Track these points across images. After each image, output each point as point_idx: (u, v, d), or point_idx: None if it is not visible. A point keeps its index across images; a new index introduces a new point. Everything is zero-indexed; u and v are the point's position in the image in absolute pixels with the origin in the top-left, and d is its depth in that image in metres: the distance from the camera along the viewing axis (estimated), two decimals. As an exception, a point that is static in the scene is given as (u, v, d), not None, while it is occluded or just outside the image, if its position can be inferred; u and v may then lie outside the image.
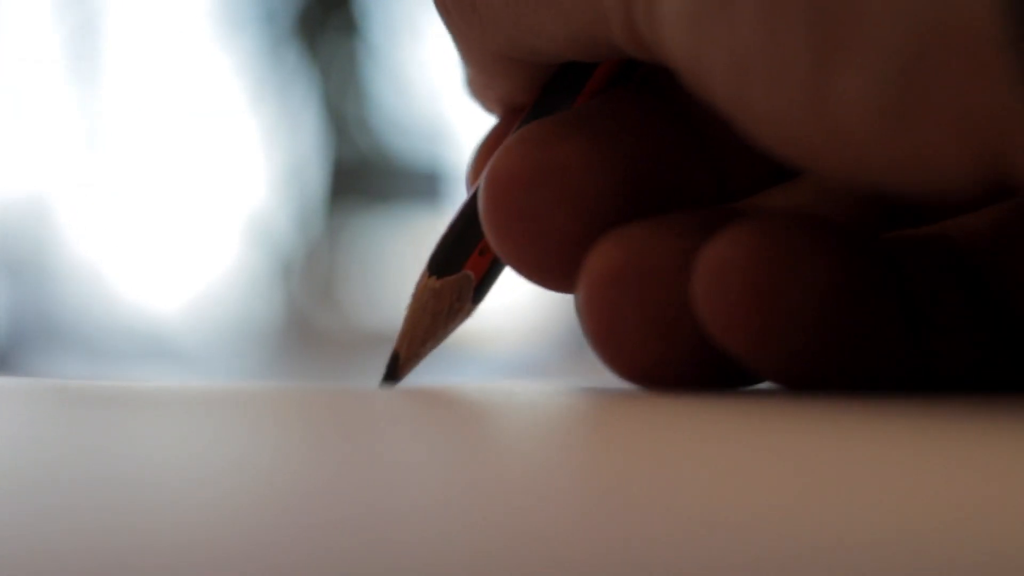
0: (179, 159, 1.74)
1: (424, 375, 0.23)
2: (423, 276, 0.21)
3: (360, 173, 1.85)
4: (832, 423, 0.16)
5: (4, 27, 1.66)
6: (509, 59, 0.21)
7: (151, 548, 0.09)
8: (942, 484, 0.11)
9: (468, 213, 0.21)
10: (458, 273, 0.21)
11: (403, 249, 1.81)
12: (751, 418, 0.16)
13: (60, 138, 1.69)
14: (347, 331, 1.73)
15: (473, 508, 0.10)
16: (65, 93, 1.70)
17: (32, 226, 1.67)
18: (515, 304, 1.61)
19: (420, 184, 1.85)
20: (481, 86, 0.22)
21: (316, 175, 1.85)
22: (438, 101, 1.82)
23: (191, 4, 1.78)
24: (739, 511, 0.10)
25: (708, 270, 0.18)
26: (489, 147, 0.22)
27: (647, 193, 0.20)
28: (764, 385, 0.21)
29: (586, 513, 0.10)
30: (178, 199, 1.74)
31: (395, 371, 0.21)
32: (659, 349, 0.19)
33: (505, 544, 0.09)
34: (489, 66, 0.21)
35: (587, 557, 0.09)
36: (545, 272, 0.20)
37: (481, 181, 0.20)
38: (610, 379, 0.21)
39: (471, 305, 0.22)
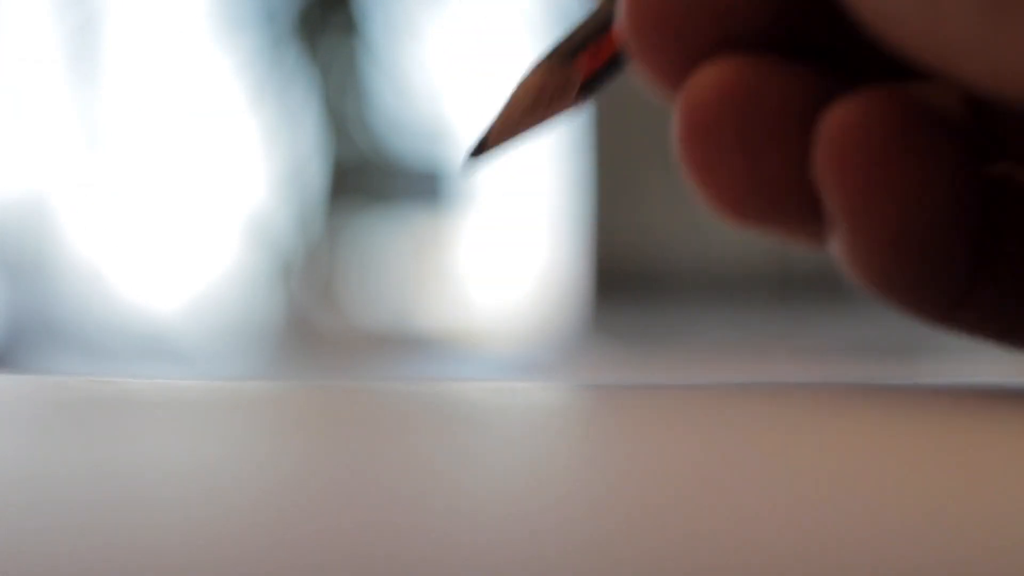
0: (179, 159, 1.74)
1: (426, 376, 0.23)
2: (539, 61, 0.22)
3: (360, 173, 1.85)
4: (840, 419, 0.16)
5: (4, 27, 1.66)
6: None
7: (149, 550, 0.09)
8: (948, 484, 0.11)
9: (601, 14, 0.22)
10: (570, 67, 0.21)
11: (403, 249, 1.81)
12: (755, 414, 0.16)
13: (60, 138, 1.69)
14: (347, 331, 1.73)
15: (473, 510, 0.10)
16: (65, 93, 1.70)
17: (32, 226, 1.67)
18: (515, 304, 1.61)
19: (420, 184, 1.85)
20: None
21: (316, 175, 1.84)
22: (438, 101, 1.82)
23: (191, 4, 1.78)
24: (741, 510, 0.10)
25: (837, 124, 0.18)
26: None
27: (783, 29, 0.20)
28: (764, 381, 0.21)
29: (592, 516, 0.10)
30: (178, 199, 1.74)
31: (484, 144, 0.22)
32: (749, 181, 0.19)
33: (506, 546, 0.09)
34: None
35: (589, 559, 0.09)
36: (666, 73, 0.20)
37: None
38: (609, 378, 0.21)
39: (575, 100, 0.22)
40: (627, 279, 1.48)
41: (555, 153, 1.53)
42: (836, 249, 0.20)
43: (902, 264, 0.19)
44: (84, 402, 0.18)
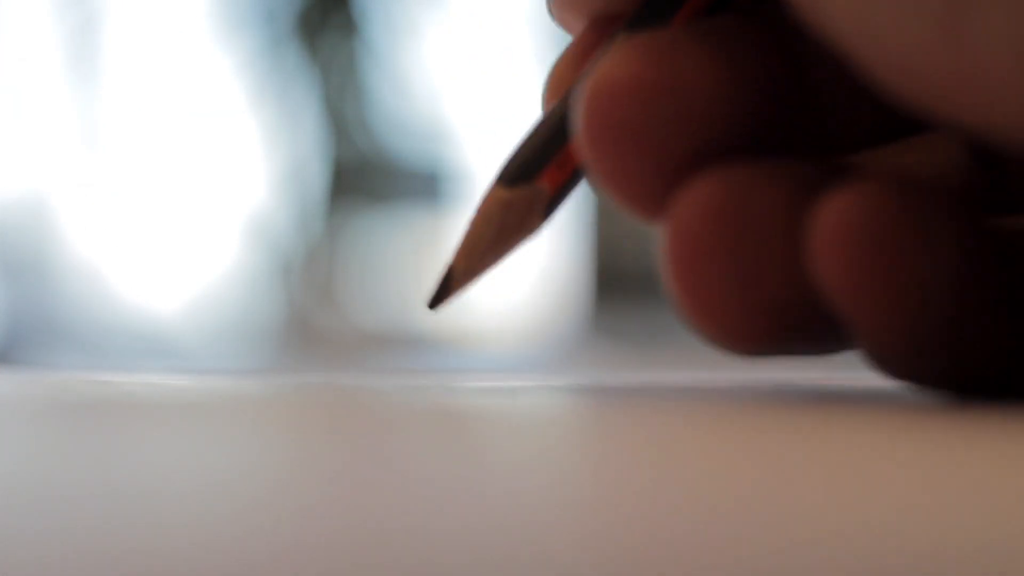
0: (179, 159, 1.74)
1: (426, 375, 0.23)
2: (492, 187, 0.20)
3: (360, 173, 1.85)
4: (840, 418, 0.16)
5: (4, 27, 1.66)
6: None
7: (149, 548, 0.09)
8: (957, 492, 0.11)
9: (550, 124, 0.20)
10: (531, 185, 0.20)
11: (403, 249, 1.81)
12: (755, 413, 0.16)
13: (60, 138, 1.69)
14: (347, 331, 1.73)
15: (472, 512, 0.10)
16: (65, 93, 1.70)
17: (32, 226, 1.67)
18: (515, 304, 1.61)
19: (420, 184, 1.85)
20: None
21: (316, 175, 1.84)
22: (438, 101, 1.82)
23: (191, 4, 1.78)
24: (740, 510, 0.10)
25: (833, 222, 0.17)
26: (572, 61, 0.21)
27: (757, 125, 0.19)
28: (763, 381, 0.21)
29: (591, 515, 0.10)
30: (178, 199, 1.74)
31: (448, 287, 0.20)
32: (740, 297, 0.18)
33: (507, 548, 0.09)
34: None
35: (588, 559, 0.09)
36: (635, 194, 0.19)
37: (582, 90, 0.19)
38: (610, 378, 0.21)
39: (541, 220, 0.20)
40: (627, 279, 1.48)
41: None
42: (857, 347, 0.18)
43: (927, 343, 0.17)
44: (83, 399, 0.18)
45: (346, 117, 1.86)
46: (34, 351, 1.54)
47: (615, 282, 1.49)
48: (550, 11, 0.21)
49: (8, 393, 0.19)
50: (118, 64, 1.73)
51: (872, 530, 0.09)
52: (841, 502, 0.10)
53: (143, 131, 1.73)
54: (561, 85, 0.20)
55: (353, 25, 1.85)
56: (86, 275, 1.68)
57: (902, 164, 0.20)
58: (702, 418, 0.17)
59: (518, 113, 1.55)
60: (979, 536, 0.09)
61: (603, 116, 0.18)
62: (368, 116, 1.86)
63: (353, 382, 0.23)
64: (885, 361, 0.18)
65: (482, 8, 1.77)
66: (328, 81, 1.85)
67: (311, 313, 1.80)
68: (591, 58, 0.20)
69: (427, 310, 0.20)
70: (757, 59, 0.19)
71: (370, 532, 0.09)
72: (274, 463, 0.12)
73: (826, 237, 0.17)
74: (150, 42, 1.74)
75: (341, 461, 0.13)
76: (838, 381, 0.23)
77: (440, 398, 0.19)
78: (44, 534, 0.09)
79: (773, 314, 0.18)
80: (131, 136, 1.73)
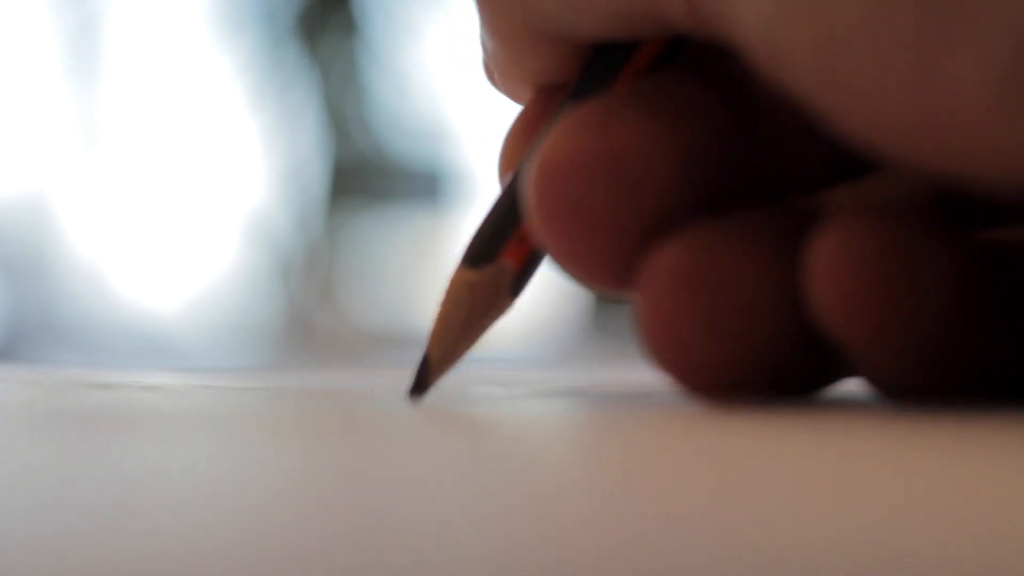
0: (179, 159, 1.74)
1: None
2: (457, 270, 0.20)
3: (360, 173, 1.85)
4: (839, 417, 0.16)
5: (4, 27, 1.66)
6: (540, 34, 0.19)
7: (148, 546, 0.09)
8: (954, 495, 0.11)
9: (507, 200, 0.19)
10: (495, 264, 0.19)
11: (403, 249, 1.81)
12: (754, 413, 0.16)
13: (60, 138, 1.69)
14: (347, 331, 1.73)
15: (477, 517, 0.10)
16: (65, 93, 1.70)
17: (32, 225, 1.67)
18: (515, 304, 1.61)
19: (420, 184, 1.85)
20: (506, 63, 0.20)
21: (316, 175, 1.84)
22: (438, 101, 1.82)
23: (191, 4, 1.78)
24: (739, 509, 0.10)
25: (830, 253, 0.17)
26: (522, 132, 0.20)
27: (709, 184, 0.19)
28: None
29: (590, 515, 0.10)
30: (178, 199, 1.74)
31: (425, 377, 0.19)
32: (725, 357, 0.18)
33: (507, 548, 0.09)
34: (518, 42, 0.20)
35: (588, 556, 0.09)
36: (596, 269, 0.18)
37: (529, 168, 0.18)
38: (610, 378, 0.20)
39: (509, 299, 0.20)
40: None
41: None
42: (853, 374, 0.18)
43: (927, 358, 0.17)
44: (83, 399, 0.18)
45: (346, 117, 1.86)
46: (34, 350, 1.53)
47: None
48: (492, 83, 0.21)
49: (8, 393, 0.19)
50: (118, 64, 1.73)
51: (870, 533, 0.09)
52: (837, 503, 0.10)
53: (143, 131, 1.73)
54: (514, 157, 0.20)
55: (353, 25, 1.85)
56: (86, 275, 1.68)
57: (871, 199, 0.20)
58: (702, 418, 0.17)
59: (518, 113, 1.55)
60: (975, 542, 0.09)
61: (550, 195, 0.18)
62: (368, 116, 1.86)
63: (353, 381, 0.23)
64: (885, 382, 0.18)
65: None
66: (328, 81, 1.85)
67: (311, 313, 1.80)
68: (539, 128, 0.20)
69: (409, 399, 0.19)
70: (703, 115, 0.19)
71: (370, 530, 0.09)
72: (274, 461, 0.12)
73: (824, 269, 0.17)
74: (150, 42, 1.74)
75: (340, 459, 0.13)
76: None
77: (440, 398, 0.19)
78: (43, 534, 0.09)
79: (746, 363, 0.18)
80: (131, 136, 1.73)
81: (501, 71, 0.20)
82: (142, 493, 0.11)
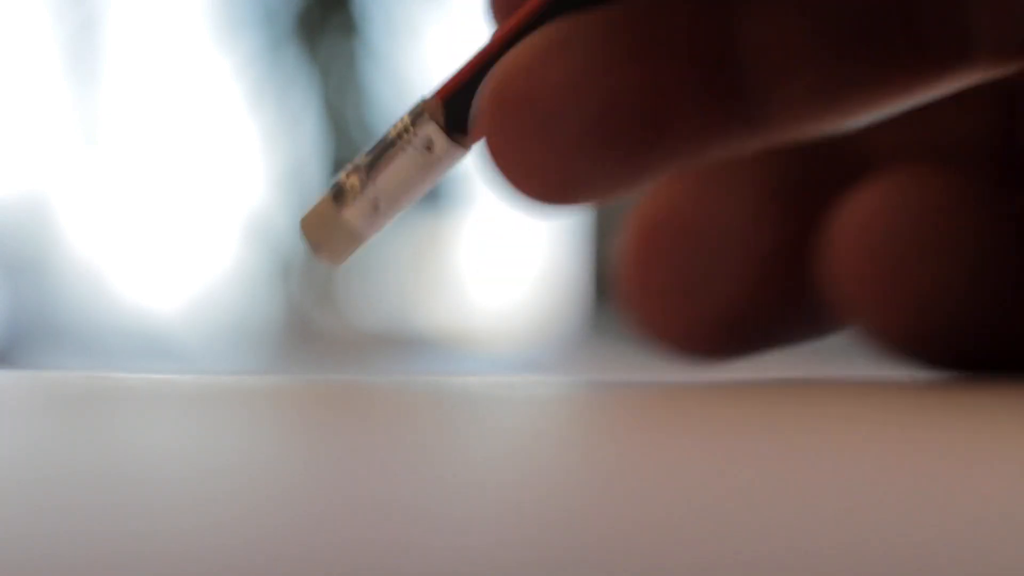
0: (179, 159, 1.74)
1: (425, 373, 0.23)
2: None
3: (360, 173, 1.85)
4: (839, 417, 0.16)
5: (4, 27, 1.66)
6: None
7: (147, 545, 0.09)
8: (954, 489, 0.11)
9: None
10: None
11: (403, 250, 1.81)
12: (753, 413, 0.16)
13: (60, 137, 1.69)
14: (347, 331, 1.73)
15: (472, 505, 0.10)
16: (65, 93, 1.70)
17: (32, 226, 1.67)
18: (515, 304, 1.61)
19: (420, 184, 1.85)
20: None
21: (316, 175, 1.84)
22: (438, 101, 1.82)
23: (191, 4, 1.78)
24: (739, 509, 0.10)
25: (857, 222, 0.16)
26: None
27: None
28: (762, 380, 0.21)
29: (589, 514, 0.10)
30: (178, 199, 1.74)
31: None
32: (703, 310, 0.18)
33: (506, 547, 0.09)
34: None
35: (587, 557, 0.09)
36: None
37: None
38: (609, 377, 0.20)
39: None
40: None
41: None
42: (860, 334, 0.18)
43: (947, 330, 0.17)
44: (81, 397, 0.18)
45: (346, 117, 1.86)
46: (34, 351, 1.54)
47: (615, 282, 1.48)
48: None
49: (8, 392, 0.19)
50: (118, 64, 1.73)
51: (872, 529, 0.09)
52: (839, 500, 0.10)
53: (143, 131, 1.73)
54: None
55: (353, 25, 1.85)
56: (86, 275, 1.68)
57: (928, 138, 0.18)
58: (702, 418, 0.17)
59: None
60: (986, 531, 0.09)
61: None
62: (368, 116, 1.86)
63: (352, 381, 0.23)
64: (897, 346, 0.17)
65: (482, 8, 1.77)
66: (328, 81, 1.85)
67: (311, 313, 1.80)
68: None
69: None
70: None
71: (368, 529, 0.09)
72: (272, 457, 0.12)
73: (849, 236, 0.16)
74: (150, 42, 1.74)
75: (339, 456, 0.13)
76: (837, 379, 0.23)
77: (439, 397, 0.20)
78: (44, 533, 0.09)
79: (734, 316, 0.18)
80: (131, 136, 1.73)
81: None
82: (142, 491, 0.11)
